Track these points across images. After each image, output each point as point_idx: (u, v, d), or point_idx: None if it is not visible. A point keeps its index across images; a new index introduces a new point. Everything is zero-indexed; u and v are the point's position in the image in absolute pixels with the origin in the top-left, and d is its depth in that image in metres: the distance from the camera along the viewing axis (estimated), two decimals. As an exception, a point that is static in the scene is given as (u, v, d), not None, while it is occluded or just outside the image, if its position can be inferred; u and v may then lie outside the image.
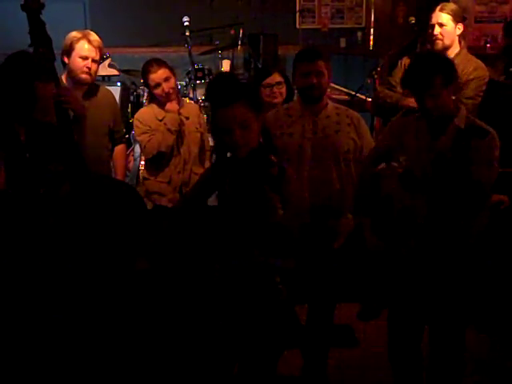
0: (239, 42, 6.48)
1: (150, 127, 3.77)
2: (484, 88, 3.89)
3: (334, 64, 3.18)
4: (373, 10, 7.29)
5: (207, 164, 3.92)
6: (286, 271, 2.75)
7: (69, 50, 3.48)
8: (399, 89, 3.93)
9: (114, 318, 2.42)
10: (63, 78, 3.51)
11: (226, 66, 6.50)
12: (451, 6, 4.21)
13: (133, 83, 5.93)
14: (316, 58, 3.06)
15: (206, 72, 5.86)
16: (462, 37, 4.12)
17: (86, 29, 4.04)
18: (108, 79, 6.16)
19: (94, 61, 3.52)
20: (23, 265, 2.35)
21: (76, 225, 2.37)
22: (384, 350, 3.04)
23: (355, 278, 3.50)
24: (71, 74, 3.52)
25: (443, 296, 2.75)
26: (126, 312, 2.45)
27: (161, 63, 3.76)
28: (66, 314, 2.37)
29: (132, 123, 3.99)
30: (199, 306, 2.53)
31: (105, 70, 5.89)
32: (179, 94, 4.12)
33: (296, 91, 4.16)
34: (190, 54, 5.68)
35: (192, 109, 3.95)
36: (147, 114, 3.84)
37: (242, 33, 6.52)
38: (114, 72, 6.13)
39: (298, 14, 7.25)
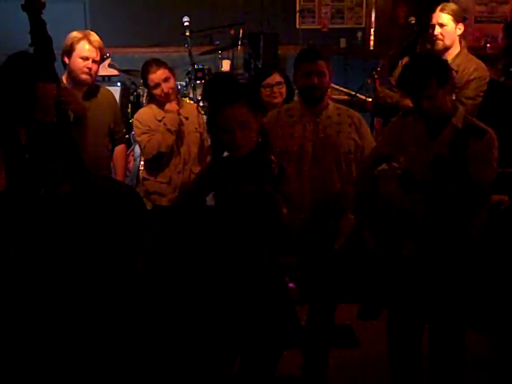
0: (239, 42, 6.48)
1: (149, 127, 3.77)
2: (484, 88, 3.89)
3: (334, 64, 3.18)
4: (373, 10, 7.29)
5: (207, 164, 3.93)
6: (289, 269, 2.77)
7: (69, 51, 3.48)
8: (399, 89, 3.93)
9: (114, 316, 2.43)
10: (63, 78, 3.51)
11: (225, 65, 6.50)
12: (452, 6, 4.21)
13: (133, 83, 5.93)
14: (317, 58, 3.06)
15: (206, 72, 5.85)
16: (462, 37, 4.12)
17: (85, 29, 4.05)
18: (108, 79, 6.16)
19: (94, 61, 3.52)
20: (23, 265, 2.35)
21: (75, 225, 2.38)
22: (384, 349, 3.05)
23: (355, 279, 3.50)
24: (72, 75, 3.52)
25: (443, 296, 2.75)
26: (126, 311, 2.45)
27: (160, 63, 3.76)
28: (66, 314, 2.37)
29: (132, 123, 3.99)
30: (199, 306, 2.53)
31: (105, 70, 5.89)
32: (178, 95, 4.12)
33: (296, 91, 4.18)
34: (190, 54, 5.68)
35: (191, 109, 3.96)
36: (147, 114, 3.84)
37: (242, 33, 6.52)
38: (114, 72, 6.13)
39: (298, 14, 7.25)
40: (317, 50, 3.19)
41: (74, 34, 3.52)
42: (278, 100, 3.82)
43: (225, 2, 7.05)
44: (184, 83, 5.75)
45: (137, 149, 4.59)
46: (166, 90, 3.73)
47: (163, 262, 2.56)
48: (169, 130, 3.72)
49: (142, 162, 4.36)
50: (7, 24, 5.94)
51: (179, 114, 3.80)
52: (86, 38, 3.50)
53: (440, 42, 4.04)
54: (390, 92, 4.08)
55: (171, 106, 3.79)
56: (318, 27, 7.37)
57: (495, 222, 3.35)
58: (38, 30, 2.49)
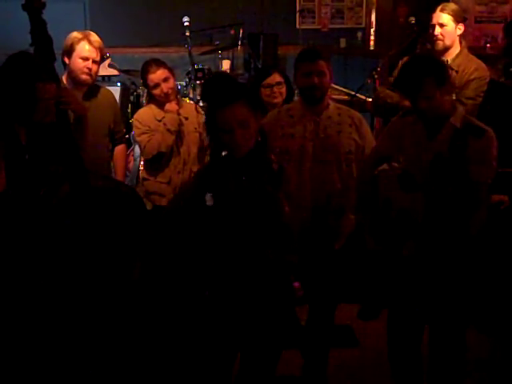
0: (239, 42, 6.48)
1: (149, 127, 3.77)
2: (485, 88, 3.89)
3: (334, 64, 3.18)
4: (373, 10, 7.28)
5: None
6: (291, 266, 2.76)
7: (69, 51, 3.48)
8: (399, 89, 3.93)
9: (113, 315, 2.43)
10: (64, 78, 3.51)
11: (225, 66, 6.50)
12: (452, 6, 4.21)
13: (133, 83, 5.92)
14: (317, 58, 3.06)
15: (206, 72, 5.85)
16: (462, 37, 4.12)
17: (85, 29, 4.05)
18: (108, 79, 6.15)
19: (94, 62, 3.52)
20: (23, 265, 2.35)
21: (74, 226, 2.37)
22: (384, 350, 3.05)
23: (355, 279, 3.51)
24: (72, 75, 3.52)
25: (444, 295, 2.75)
26: (125, 311, 2.45)
27: (160, 64, 3.76)
28: (65, 314, 2.37)
29: (132, 123, 3.99)
30: (198, 306, 2.53)
31: (105, 70, 5.89)
32: (178, 95, 4.12)
33: (296, 91, 4.18)
34: (190, 54, 5.68)
35: (191, 109, 3.96)
36: (146, 114, 3.84)
37: (242, 33, 6.52)
38: (114, 72, 6.13)
39: (298, 14, 7.24)
40: (317, 49, 3.19)
41: (74, 34, 3.52)
42: (278, 100, 3.82)
43: (225, 2, 7.04)
44: (184, 83, 5.74)
45: (137, 149, 4.59)
46: (165, 90, 3.73)
47: (162, 262, 2.56)
48: (169, 130, 3.72)
49: (141, 162, 4.37)
50: (7, 24, 5.94)
51: (179, 114, 3.80)
52: (86, 38, 3.50)
53: (440, 42, 4.04)
54: (390, 92, 4.08)
55: (171, 106, 3.79)
56: (318, 27, 7.37)
57: (495, 221, 3.35)
58: (39, 29, 2.48)
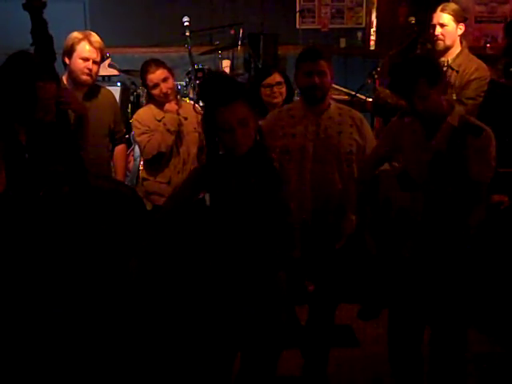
0: (239, 42, 6.48)
1: (148, 127, 3.77)
2: (485, 88, 3.89)
3: (334, 64, 3.18)
4: (373, 10, 7.28)
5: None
6: (292, 261, 2.77)
7: (70, 51, 3.48)
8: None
9: (111, 315, 2.43)
10: (64, 78, 3.51)
11: (225, 65, 6.50)
12: (452, 6, 4.21)
13: (133, 83, 5.93)
14: (318, 58, 3.06)
15: (206, 72, 5.86)
16: (462, 37, 4.12)
17: (85, 29, 4.04)
18: (108, 79, 6.15)
19: (94, 62, 3.51)
20: (23, 266, 2.35)
21: (73, 226, 2.37)
22: (384, 350, 3.04)
23: (356, 278, 3.51)
24: (72, 75, 3.52)
25: (444, 295, 2.75)
26: (123, 311, 2.45)
27: (159, 63, 3.76)
28: (65, 314, 2.37)
29: (132, 123, 3.99)
30: (197, 305, 2.53)
31: (105, 70, 5.89)
32: (178, 95, 4.12)
33: (296, 91, 4.18)
34: (190, 54, 5.68)
35: (190, 109, 3.95)
36: (146, 114, 3.84)
37: (242, 33, 6.52)
38: (114, 72, 6.13)
39: (298, 14, 7.24)
40: (318, 49, 3.19)
41: (75, 34, 3.51)
42: (278, 100, 3.82)
43: (225, 2, 7.04)
44: (184, 83, 5.75)
45: (137, 149, 4.59)
46: (164, 90, 3.73)
47: (160, 262, 2.56)
48: (168, 130, 3.72)
49: (141, 162, 4.36)
50: (7, 24, 5.94)
51: (178, 114, 3.80)
52: (87, 38, 3.50)
53: (441, 42, 4.04)
54: (390, 92, 4.08)
55: (170, 106, 3.79)
56: (318, 27, 7.37)
57: (495, 221, 3.35)
58: (40, 29, 2.49)
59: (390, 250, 2.85)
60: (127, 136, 4.42)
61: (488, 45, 6.64)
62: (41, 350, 2.38)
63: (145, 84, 3.84)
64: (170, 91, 3.76)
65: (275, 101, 3.80)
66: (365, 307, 4.09)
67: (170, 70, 3.80)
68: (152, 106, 3.85)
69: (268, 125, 3.23)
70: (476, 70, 3.97)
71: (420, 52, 4.39)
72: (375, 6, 7.28)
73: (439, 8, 4.08)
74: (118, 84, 5.75)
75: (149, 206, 3.72)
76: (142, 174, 4.03)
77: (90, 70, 3.50)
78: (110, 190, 2.61)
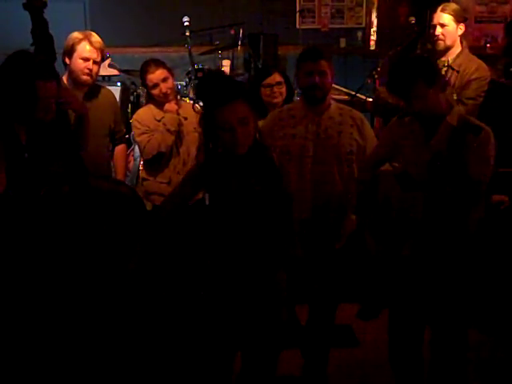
0: (239, 42, 6.48)
1: (148, 128, 3.77)
2: (485, 88, 3.89)
3: (334, 64, 3.18)
4: (373, 10, 7.28)
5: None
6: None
7: (70, 51, 3.48)
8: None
9: (111, 315, 2.43)
10: (64, 78, 3.50)
11: (226, 66, 6.50)
12: (453, 6, 4.21)
13: (133, 83, 5.92)
14: (319, 58, 3.06)
15: (206, 72, 5.85)
16: (463, 37, 4.12)
17: (86, 29, 4.04)
18: (108, 79, 6.15)
19: (95, 62, 3.51)
20: (23, 266, 2.35)
21: (74, 226, 2.37)
22: (384, 350, 3.05)
23: (356, 278, 3.51)
24: (72, 75, 3.52)
25: (444, 295, 2.75)
26: (123, 311, 2.45)
27: (159, 63, 3.76)
28: (65, 313, 2.37)
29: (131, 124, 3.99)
30: (196, 305, 2.53)
31: (105, 70, 5.88)
32: (178, 95, 4.11)
33: (296, 91, 4.18)
34: (190, 54, 5.68)
35: (190, 109, 3.95)
36: (146, 114, 3.84)
37: (242, 33, 6.52)
38: (114, 72, 6.12)
39: (298, 14, 7.24)
40: (319, 49, 3.20)
41: (75, 34, 3.51)
42: (278, 100, 3.82)
43: (225, 2, 7.04)
44: (184, 83, 5.74)
45: (137, 149, 4.59)
46: (164, 90, 3.73)
47: (159, 262, 2.56)
48: (168, 130, 3.72)
49: (141, 162, 4.36)
50: (7, 24, 5.94)
51: (178, 114, 3.80)
52: (87, 38, 3.49)
53: (441, 43, 4.05)
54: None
55: (170, 106, 3.78)
56: (318, 27, 7.36)
57: (495, 221, 3.35)
58: (40, 29, 2.49)
59: (390, 250, 2.85)
60: (127, 136, 4.42)
61: (488, 45, 6.64)
62: (39, 350, 2.38)
63: (144, 84, 3.83)
64: (169, 91, 3.75)
65: (275, 101, 3.80)
66: (365, 307, 4.09)
67: (169, 69, 3.80)
68: (152, 106, 3.84)
69: (268, 125, 3.23)
70: (476, 69, 3.97)
71: (420, 52, 4.40)
72: (375, 6, 7.28)
73: (439, 8, 4.08)
74: (118, 84, 5.75)
75: (149, 206, 3.72)
76: (142, 174, 4.03)
77: (91, 70, 3.49)
78: (110, 191, 2.61)
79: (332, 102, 3.22)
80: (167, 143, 3.74)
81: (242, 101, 2.36)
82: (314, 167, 3.11)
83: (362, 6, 7.42)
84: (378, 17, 7.23)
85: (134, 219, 2.52)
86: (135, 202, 2.65)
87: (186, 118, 3.83)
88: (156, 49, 6.65)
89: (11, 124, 2.59)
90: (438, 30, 4.03)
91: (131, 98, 5.78)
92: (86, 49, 3.48)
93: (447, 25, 4.03)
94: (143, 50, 6.69)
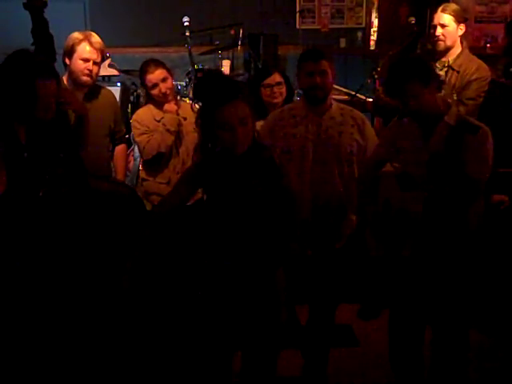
0: (239, 42, 6.47)
1: (148, 128, 3.77)
2: (486, 89, 3.90)
3: (334, 64, 3.18)
4: (373, 10, 7.28)
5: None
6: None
7: (70, 52, 3.47)
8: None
9: (110, 316, 2.43)
10: (64, 79, 3.50)
11: (226, 66, 6.49)
12: (453, 6, 4.21)
13: (133, 83, 5.91)
14: (320, 58, 3.07)
15: (205, 72, 5.84)
16: (463, 37, 4.12)
17: (86, 29, 4.03)
18: (108, 79, 6.14)
19: (95, 63, 3.51)
20: (22, 266, 2.35)
21: (74, 227, 2.38)
22: (384, 350, 3.05)
23: (356, 278, 3.51)
24: (72, 76, 3.51)
25: (445, 295, 2.75)
26: (122, 311, 2.45)
27: (158, 64, 3.76)
28: (64, 312, 2.37)
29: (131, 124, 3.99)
30: (195, 304, 2.53)
31: (105, 70, 5.88)
32: (177, 95, 4.11)
33: (296, 92, 4.18)
34: (190, 54, 5.67)
35: (189, 109, 3.95)
36: (145, 114, 3.84)
37: (242, 33, 6.51)
38: (114, 72, 6.12)
39: (298, 14, 7.24)
40: (320, 50, 3.20)
41: (75, 35, 3.51)
42: (278, 100, 3.82)
43: (225, 2, 7.04)
44: (184, 83, 5.74)
45: (137, 149, 4.59)
46: (163, 90, 3.73)
47: (158, 262, 2.55)
48: (168, 130, 3.72)
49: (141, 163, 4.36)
50: (7, 24, 5.93)
51: (178, 114, 3.80)
52: (87, 39, 3.49)
53: (441, 43, 4.05)
54: (389, 93, 4.08)
55: (170, 106, 3.78)
56: (318, 27, 7.36)
57: (495, 221, 3.35)
58: (40, 28, 2.49)
59: (390, 250, 2.85)
60: (127, 136, 4.42)
61: (488, 45, 6.63)
62: (38, 350, 2.38)
63: (144, 84, 3.83)
64: (169, 91, 3.75)
65: (275, 101, 3.80)
66: (365, 307, 4.09)
67: (169, 70, 3.79)
68: (151, 107, 3.84)
69: (269, 125, 3.23)
70: (476, 70, 3.97)
71: (420, 52, 4.40)
72: (375, 6, 7.27)
73: (440, 8, 4.08)
74: (118, 84, 5.75)
75: (148, 207, 3.71)
76: (142, 174, 4.02)
77: (91, 70, 3.49)
78: (110, 191, 2.62)
79: (333, 102, 3.22)
80: (167, 143, 3.74)
81: (241, 100, 2.36)
82: (314, 167, 3.11)
83: (362, 5, 7.41)
84: (378, 17, 7.23)
85: (134, 219, 2.52)
86: (135, 202, 2.65)
87: (185, 119, 3.82)
88: (156, 49, 6.64)
89: (11, 123, 2.60)
90: (439, 31, 4.03)
91: (131, 98, 5.78)
92: (86, 49, 3.47)
93: (448, 25, 4.03)
94: (143, 49, 6.68)
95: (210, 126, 2.39)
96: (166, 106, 3.78)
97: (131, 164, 4.65)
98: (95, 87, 3.68)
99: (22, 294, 2.36)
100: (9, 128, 2.59)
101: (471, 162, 2.58)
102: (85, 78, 3.50)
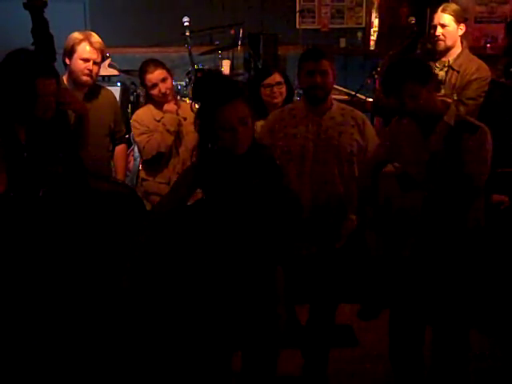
0: (239, 42, 6.48)
1: (148, 128, 3.77)
2: (486, 88, 3.90)
3: (334, 64, 3.18)
4: (373, 10, 7.28)
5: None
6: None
7: (70, 52, 3.47)
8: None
9: (110, 315, 2.43)
10: (64, 79, 3.50)
11: (226, 66, 6.50)
12: (453, 6, 4.21)
13: (133, 83, 5.92)
14: (321, 58, 3.07)
15: (206, 71, 5.84)
16: (463, 37, 4.12)
17: (85, 29, 4.03)
18: (108, 79, 6.15)
19: (95, 63, 3.51)
20: (22, 266, 2.35)
21: (73, 227, 2.38)
22: (384, 349, 3.04)
23: (356, 278, 3.50)
24: (72, 76, 3.51)
25: (445, 294, 2.75)
26: (122, 310, 2.45)
27: (158, 64, 3.76)
28: (64, 314, 2.37)
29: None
30: (194, 304, 2.53)
31: (105, 70, 5.88)
32: (178, 95, 4.11)
33: (296, 92, 4.17)
34: (190, 54, 5.68)
35: (189, 109, 3.95)
36: (145, 114, 3.84)
37: (242, 33, 6.52)
38: (114, 72, 6.12)
39: (298, 14, 7.24)
40: (321, 49, 3.20)
41: (75, 35, 3.51)
42: (278, 100, 3.82)
43: (225, 2, 7.04)
44: (184, 83, 5.74)
45: (137, 149, 4.59)
46: (163, 90, 3.73)
47: (157, 261, 2.55)
48: (168, 130, 3.72)
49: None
50: (7, 24, 5.94)
51: (177, 114, 3.80)
52: (87, 39, 3.49)
53: (442, 43, 4.04)
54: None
55: (170, 106, 3.78)
56: (318, 27, 7.36)
57: (495, 221, 3.35)
58: (40, 28, 2.49)
59: (391, 250, 2.85)
60: (127, 136, 4.42)
61: (488, 45, 6.63)
62: (38, 350, 2.38)
63: (143, 84, 3.83)
64: (168, 91, 3.75)
65: (275, 101, 3.80)
66: (365, 307, 4.09)
67: (168, 70, 3.80)
68: (151, 107, 3.84)
69: (270, 124, 3.23)
70: (477, 70, 3.97)
71: (420, 52, 4.40)
72: (375, 6, 7.28)
73: (440, 8, 4.08)
74: (118, 84, 5.75)
75: (148, 207, 3.71)
76: (142, 174, 4.03)
77: (91, 70, 3.49)
78: (110, 191, 2.62)
79: (334, 102, 3.22)
80: (167, 143, 3.74)
81: (241, 100, 2.36)
82: (314, 167, 3.11)
83: (361, 5, 7.42)
84: (378, 17, 7.23)
85: (132, 219, 2.52)
86: (135, 202, 2.65)
87: (185, 119, 3.83)
88: (156, 49, 6.65)
89: (11, 123, 2.59)
90: (439, 31, 4.03)
91: (131, 98, 5.78)
92: (86, 49, 3.47)
93: (448, 25, 4.03)
94: (143, 50, 6.69)
95: (209, 127, 2.39)
96: (166, 106, 3.78)
97: (131, 164, 4.65)
98: (95, 87, 3.68)
99: (22, 293, 2.36)
100: (9, 128, 2.59)
101: (470, 161, 2.59)
102: (85, 78, 3.50)
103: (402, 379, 3.01)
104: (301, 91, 3.50)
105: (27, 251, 2.34)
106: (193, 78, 5.58)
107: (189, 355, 2.61)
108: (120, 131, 3.89)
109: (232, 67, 6.59)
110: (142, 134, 3.77)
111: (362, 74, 5.83)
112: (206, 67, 6.01)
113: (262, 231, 2.39)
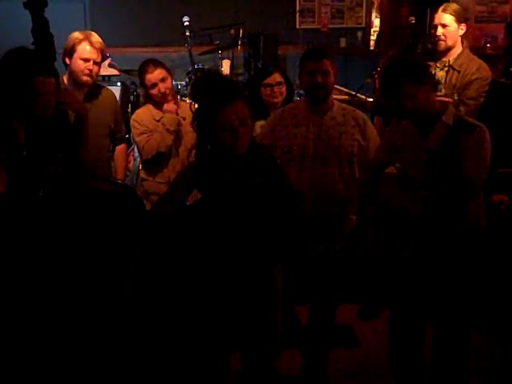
0: (239, 42, 6.48)
1: (147, 128, 3.77)
2: (486, 88, 3.90)
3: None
4: (374, 10, 7.27)
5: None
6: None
7: (70, 52, 3.47)
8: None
9: (109, 316, 2.43)
10: (64, 78, 3.51)
11: (226, 66, 6.49)
12: (454, 6, 4.21)
13: (133, 83, 5.91)
14: (322, 57, 3.07)
15: (206, 71, 5.83)
16: (464, 37, 4.12)
17: (86, 29, 4.03)
18: (108, 79, 6.14)
19: (95, 63, 3.51)
20: (21, 266, 2.35)
21: (73, 227, 2.37)
22: (384, 350, 3.04)
23: (356, 278, 3.51)
24: (72, 76, 3.51)
25: (445, 294, 2.75)
26: (120, 311, 2.45)
27: (157, 63, 3.76)
28: (63, 314, 2.37)
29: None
30: (193, 305, 2.53)
31: (105, 69, 5.87)
32: (178, 95, 4.10)
33: (296, 92, 4.17)
34: (190, 54, 5.68)
35: (188, 109, 3.94)
36: (144, 114, 3.84)
37: (242, 33, 6.51)
38: (114, 72, 6.12)
39: (298, 14, 7.24)
40: (322, 49, 3.20)
41: (76, 34, 3.51)
42: (278, 100, 3.82)
43: (225, 2, 7.04)
44: (184, 83, 5.74)
45: (136, 148, 4.58)
46: (162, 90, 3.73)
47: (156, 262, 2.55)
48: (168, 130, 3.72)
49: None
50: (7, 23, 5.94)
51: (177, 114, 3.79)
52: (87, 39, 3.49)
53: (442, 43, 4.04)
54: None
55: (170, 106, 3.78)
56: (318, 27, 7.36)
57: (495, 221, 3.35)
58: (40, 28, 2.49)
59: (391, 250, 2.85)
60: (127, 136, 4.42)
61: (488, 45, 6.62)
62: (38, 349, 2.38)
63: (143, 84, 3.83)
64: (168, 91, 3.75)
65: (275, 101, 3.80)
66: (365, 307, 4.09)
67: (168, 70, 3.79)
68: (150, 106, 3.84)
69: (271, 124, 3.23)
70: (477, 70, 3.97)
71: (420, 52, 4.39)
72: (375, 5, 7.27)
73: (441, 8, 4.08)
74: (118, 84, 5.75)
75: (148, 207, 3.71)
76: (141, 174, 4.02)
77: (91, 70, 3.49)
78: (109, 191, 2.61)
79: (335, 102, 3.22)
80: (166, 143, 3.74)
81: (240, 100, 2.36)
82: (314, 167, 3.11)
83: (361, 5, 7.42)
84: (378, 17, 7.22)
85: (133, 220, 2.52)
86: (134, 202, 2.65)
87: (184, 118, 3.82)
88: (156, 49, 6.64)
89: (10, 122, 2.59)
90: (440, 31, 4.03)
91: (131, 98, 5.78)
92: (86, 49, 3.47)
93: (448, 25, 4.02)
94: (143, 49, 6.69)
95: (209, 127, 2.39)
96: (166, 106, 3.78)
97: (131, 164, 4.65)
98: (95, 87, 3.68)
99: (22, 293, 2.35)
100: (8, 127, 2.59)
101: (469, 160, 2.59)
102: (85, 78, 3.50)
103: (402, 379, 3.01)
104: (301, 91, 3.50)
105: (27, 251, 2.34)
106: (193, 77, 5.58)
107: (188, 355, 2.61)
108: (120, 131, 3.89)
109: (232, 67, 6.58)
110: (142, 133, 3.77)
111: (362, 74, 5.82)
112: (206, 67, 6.00)
113: (262, 231, 2.38)
